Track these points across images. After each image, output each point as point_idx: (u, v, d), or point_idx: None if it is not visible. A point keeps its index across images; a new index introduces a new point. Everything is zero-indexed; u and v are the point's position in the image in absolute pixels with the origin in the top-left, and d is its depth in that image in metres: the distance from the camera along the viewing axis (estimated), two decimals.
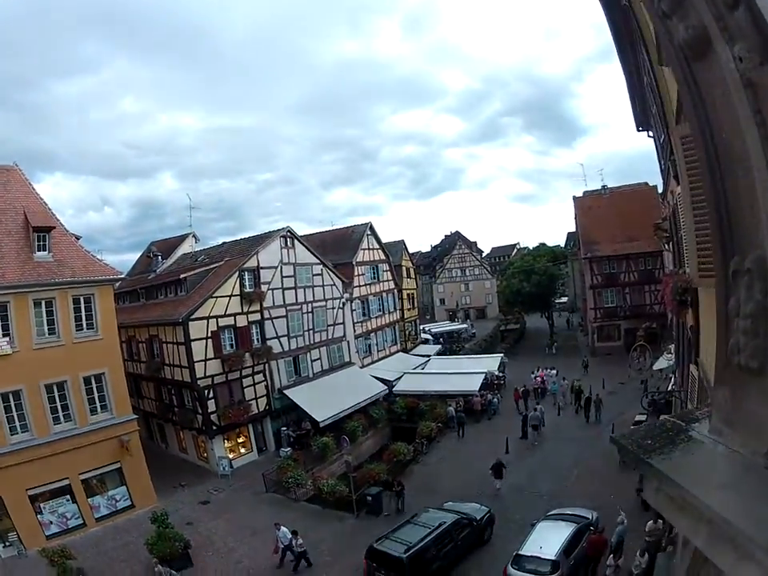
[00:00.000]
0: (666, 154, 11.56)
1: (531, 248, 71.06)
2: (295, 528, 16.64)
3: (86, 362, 19.47)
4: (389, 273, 40.23)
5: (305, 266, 30.16)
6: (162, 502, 20.53)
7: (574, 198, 47.75)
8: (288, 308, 28.73)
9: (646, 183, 43.40)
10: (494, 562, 15.32)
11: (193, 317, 23.66)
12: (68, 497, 19.04)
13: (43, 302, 18.65)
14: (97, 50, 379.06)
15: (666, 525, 13.78)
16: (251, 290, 26.51)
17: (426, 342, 48.66)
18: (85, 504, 19.35)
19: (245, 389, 25.80)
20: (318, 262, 31.23)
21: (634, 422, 20.90)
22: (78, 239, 21.63)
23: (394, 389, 32.40)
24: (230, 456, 24.90)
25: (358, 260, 35.80)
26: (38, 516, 18.20)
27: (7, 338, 17.62)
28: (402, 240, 47.72)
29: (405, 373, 34.52)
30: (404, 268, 45.62)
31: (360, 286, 35.82)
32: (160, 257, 34.46)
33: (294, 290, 29.18)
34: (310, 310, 30.20)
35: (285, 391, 27.44)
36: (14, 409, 17.75)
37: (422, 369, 36.59)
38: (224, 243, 33.44)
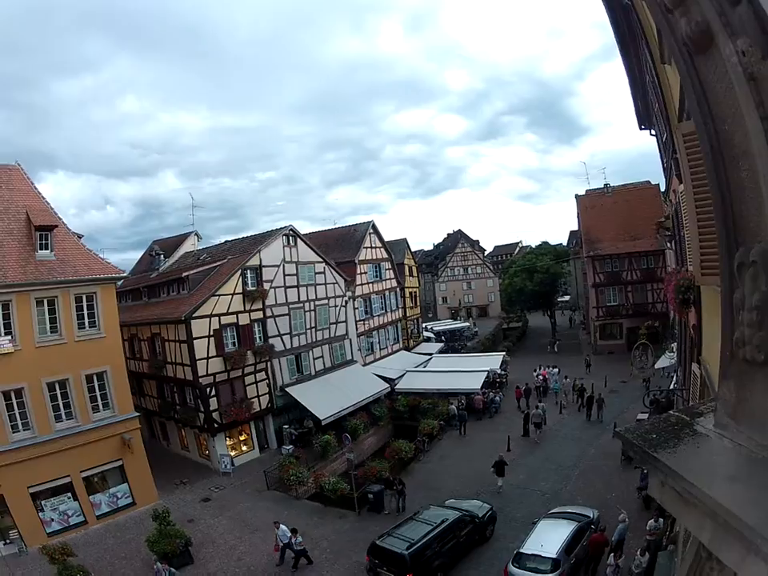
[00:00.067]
0: (669, 152, 11.53)
1: (533, 246, 70.73)
2: (297, 525, 16.69)
3: (89, 360, 19.50)
4: (391, 271, 40.15)
5: (307, 265, 30.15)
6: (163, 500, 20.60)
7: (577, 196, 47.72)
8: (290, 306, 28.72)
9: (649, 182, 43.49)
10: (494, 559, 15.38)
11: (195, 315, 23.67)
12: (69, 494, 19.08)
13: (45, 301, 18.68)
14: (98, 48, 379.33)
15: (667, 523, 13.80)
16: (254, 288, 26.50)
17: (428, 340, 48.70)
18: (86, 501, 19.40)
19: (247, 387, 25.80)
20: (321, 260, 31.21)
21: (636, 421, 20.86)
22: (80, 238, 21.63)
23: (395, 387, 32.42)
24: (232, 454, 24.93)
25: (360, 258, 35.77)
26: (40, 513, 18.24)
27: (9, 337, 17.65)
28: (405, 238, 47.77)
29: (407, 371, 34.51)
30: (406, 266, 45.64)
31: (362, 284, 35.79)
32: (162, 255, 34.47)
33: (296, 289, 29.17)
34: (312, 308, 30.20)
35: (287, 389, 27.46)
36: (16, 407, 17.79)
37: (424, 367, 36.56)
38: (226, 242, 33.45)
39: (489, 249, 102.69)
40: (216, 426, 24.17)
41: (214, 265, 27.70)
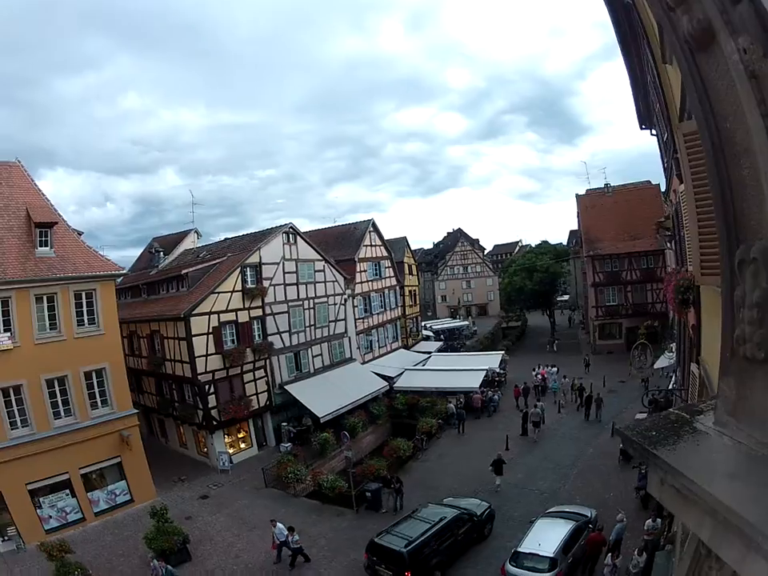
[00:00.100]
0: (669, 152, 11.52)
1: (533, 246, 70.90)
2: (294, 523, 16.72)
3: (88, 356, 19.49)
4: (391, 269, 40.17)
5: (307, 263, 30.13)
6: (161, 497, 20.63)
7: (577, 195, 47.77)
8: (290, 304, 28.72)
9: (649, 182, 43.51)
10: (492, 558, 15.40)
11: (194, 312, 23.66)
12: (67, 491, 19.07)
13: (45, 297, 18.66)
14: (99, 46, 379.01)
15: (665, 523, 13.82)
16: (253, 285, 26.49)
17: (427, 338, 48.67)
18: (84, 498, 19.39)
19: (245, 384, 25.79)
20: (320, 258, 31.20)
21: (635, 421, 20.88)
22: (80, 235, 21.62)
23: (394, 385, 32.41)
24: (230, 451, 24.94)
25: (360, 256, 35.77)
26: (38, 510, 18.23)
27: (9, 333, 17.64)
28: (405, 237, 47.73)
29: (405, 369, 34.55)
30: (406, 265, 45.63)
31: (362, 282, 35.80)
32: (162, 253, 34.43)
33: (295, 286, 29.16)
34: (311, 306, 30.19)
35: (285, 387, 27.46)
36: (14, 403, 17.76)
37: (423, 365, 36.61)
38: (226, 239, 33.44)
39: (488, 248, 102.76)
40: (214, 423, 24.16)
41: (214, 262, 27.69)
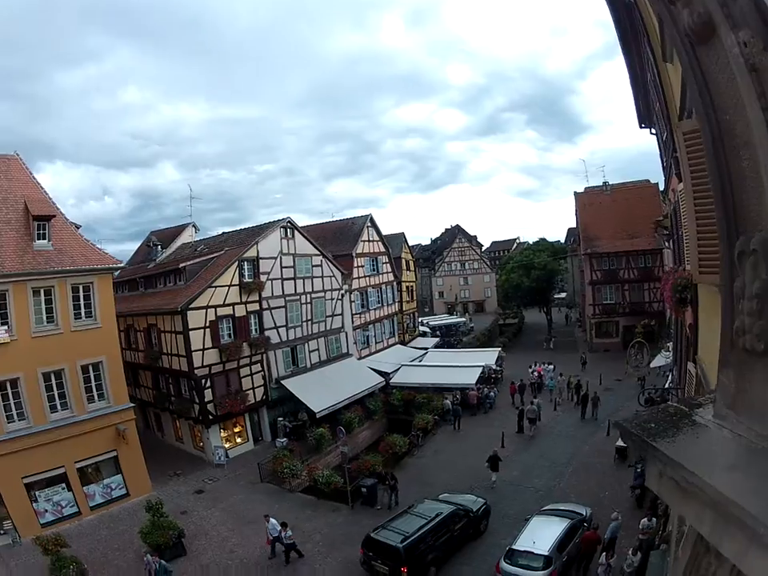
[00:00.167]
0: (669, 150, 11.53)
1: (531, 243, 71.00)
2: (289, 518, 16.76)
3: (84, 350, 19.47)
4: (388, 265, 40.22)
5: (304, 257, 30.11)
6: (157, 491, 20.62)
7: (576, 193, 47.75)
8: (287, 298, 28.71)
9: (648, 180, 43.53)
10: (487, 555, 15.41)
11: (191, 306, 23.64)
12: (63, 485, 19.06)
13: (42, 291, 18.61)
14: (100, 39, 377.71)
15: (660, 523, 13.85)
16: (250, 280, 26.47)
17: (423, 334, 48.76)
18: (80, 492, 19.39)
19: (242, 379, 25.82)
20: (318, 253, 31.18)
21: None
22: (78, 228, 21.54)
23: (391, 381, 32.45)
24: (226, 446, 24.97)
25: (357, 252, 35.78)
26: (33, 504, 18.22)
27: (6, 326, 17.59)
28: (402, 232, 47.66)
29: (402, 365, 34.60)
30: (403, 260, 45.59)
31: (359, 277, 35.84)
32: (159, 246, 34.41)
33: (293, 281, 29.15)
34: (308, 300, 30.19)
35: (282, 381, 27.47)
36: (11, 397, 17.75)
37: (420, 361, 36.61)
38: (224, 233, 33.42)
39: (486, 244, 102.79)
40: (211, 417, 24.19)
41: (211, 256, 27.65)
